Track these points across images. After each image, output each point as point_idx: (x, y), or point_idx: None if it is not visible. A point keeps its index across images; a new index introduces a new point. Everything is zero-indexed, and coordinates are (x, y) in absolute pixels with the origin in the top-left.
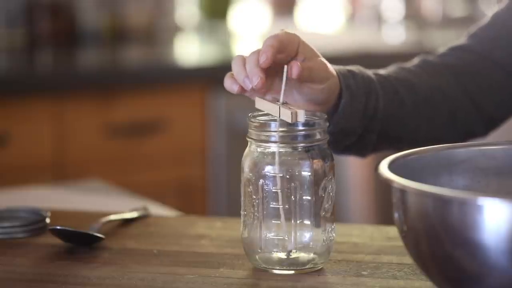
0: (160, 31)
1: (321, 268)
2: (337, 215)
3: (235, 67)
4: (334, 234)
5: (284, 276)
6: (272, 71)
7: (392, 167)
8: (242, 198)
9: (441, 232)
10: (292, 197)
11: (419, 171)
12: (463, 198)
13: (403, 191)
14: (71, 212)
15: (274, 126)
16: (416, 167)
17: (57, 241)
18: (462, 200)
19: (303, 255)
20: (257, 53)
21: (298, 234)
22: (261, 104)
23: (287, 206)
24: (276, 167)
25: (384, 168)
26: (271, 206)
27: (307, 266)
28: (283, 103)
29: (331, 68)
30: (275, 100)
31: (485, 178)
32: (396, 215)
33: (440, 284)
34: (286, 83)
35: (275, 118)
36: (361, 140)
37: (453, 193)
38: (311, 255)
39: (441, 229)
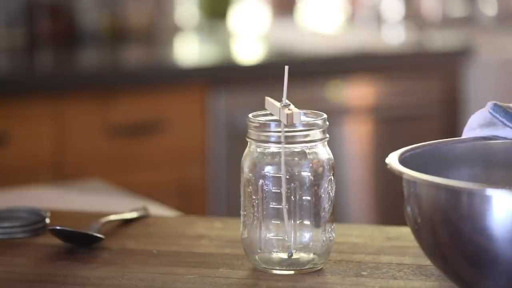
0: (160, 31)
1: (321, 269)
2: (337, 215)
3: None
4: (334, 234)
5: (284, 276)
6: None
7: (400, 160)
8: (241, 198)
9: (457, 222)
10: (292, 197)
11: (425, 165)
12: (472, 189)
13: (414, 183)
14: (71, 212)
15: (273, 126)
16: (424, 160)
17: (57, 241)
18: (474, 191)
19: (303, 256)
20: None
21: (298, 234)
22: (268, 104)
23: (287, 206)
24: (282, 167)
25: (394, 161)
26: (271, 206)
27: (307, 267)
28: (285, 105)
29: None
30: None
31: (491, 170)
32: (408, 208)
33: (458, 271)
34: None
35: (275, 118)
36: None
37: (467, 185)
38: (311, 255)
39: (456, 219)
